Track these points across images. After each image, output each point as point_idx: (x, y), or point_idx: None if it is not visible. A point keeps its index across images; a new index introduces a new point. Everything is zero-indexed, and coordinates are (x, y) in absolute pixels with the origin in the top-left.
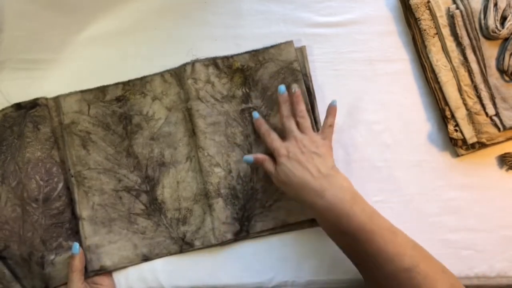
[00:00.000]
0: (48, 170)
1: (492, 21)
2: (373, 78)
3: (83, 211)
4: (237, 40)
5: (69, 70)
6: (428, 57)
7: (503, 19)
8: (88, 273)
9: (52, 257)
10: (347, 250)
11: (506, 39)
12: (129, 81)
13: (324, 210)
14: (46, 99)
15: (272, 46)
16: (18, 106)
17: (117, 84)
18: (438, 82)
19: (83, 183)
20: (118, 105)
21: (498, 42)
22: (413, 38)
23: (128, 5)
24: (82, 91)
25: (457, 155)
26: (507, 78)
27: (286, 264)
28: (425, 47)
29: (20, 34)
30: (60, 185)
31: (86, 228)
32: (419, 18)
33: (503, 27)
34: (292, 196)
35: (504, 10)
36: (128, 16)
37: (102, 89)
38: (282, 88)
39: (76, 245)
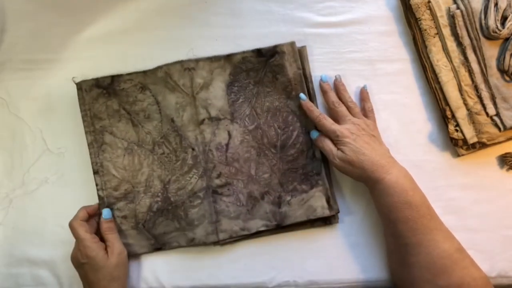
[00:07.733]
0: (284, 119)
1: (492, 21)
2: (373, 78)
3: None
4: (238, 40)
5: (69, 70)
6: (428, 57)
7: (504, 19)
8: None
9: (288, 198)
10: (402, 221)
11: (506, 39)
12: None
13: (392, 183)
14: (284, 45)
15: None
16: (259, 52)
17: None
18: (438, 82)
19: None
20: None
21: (498, 42)
22: (414, 38)
23: (128, 5)
24: None
25: (457, 155)
26: (507, 78)
27: (287, 264)
28: (426, 47)
29: (21, 34)
30: (295, 133)
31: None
32: (419, 18)
33: (503, 27)
34: (356, 174)
35: (504, 10)
36: (128, 16)
37: None
38: (324, 76)
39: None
